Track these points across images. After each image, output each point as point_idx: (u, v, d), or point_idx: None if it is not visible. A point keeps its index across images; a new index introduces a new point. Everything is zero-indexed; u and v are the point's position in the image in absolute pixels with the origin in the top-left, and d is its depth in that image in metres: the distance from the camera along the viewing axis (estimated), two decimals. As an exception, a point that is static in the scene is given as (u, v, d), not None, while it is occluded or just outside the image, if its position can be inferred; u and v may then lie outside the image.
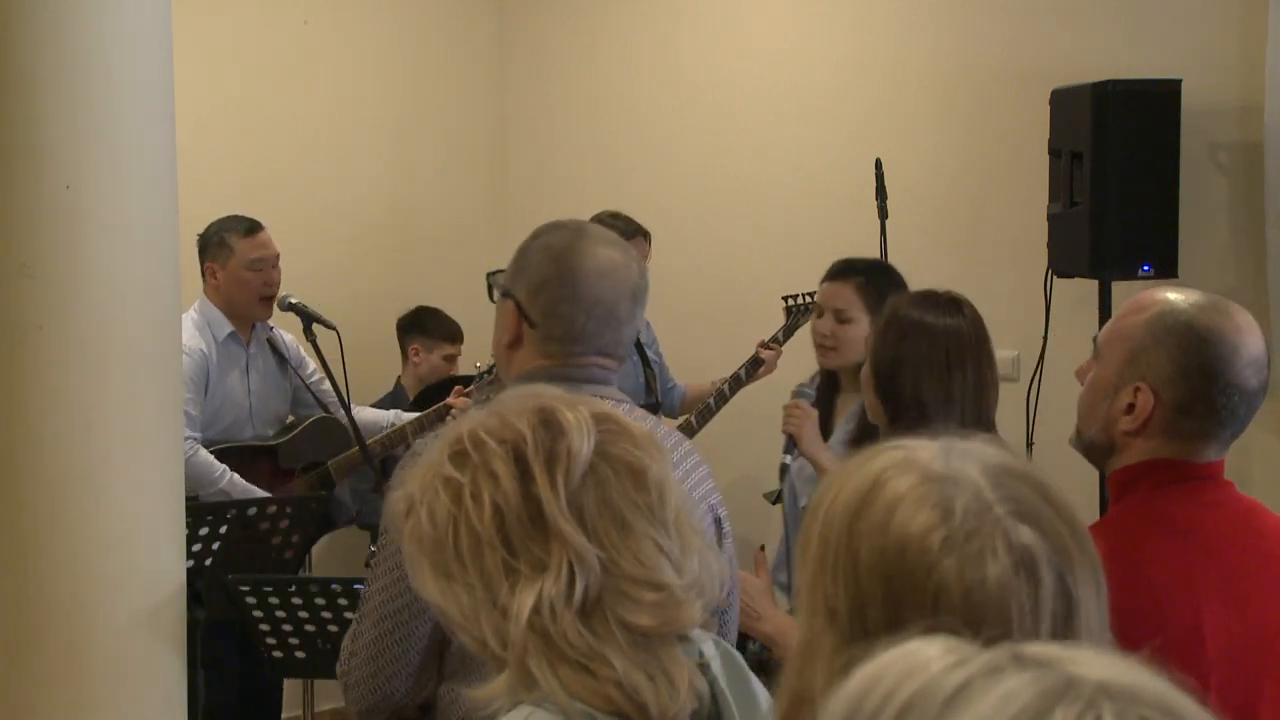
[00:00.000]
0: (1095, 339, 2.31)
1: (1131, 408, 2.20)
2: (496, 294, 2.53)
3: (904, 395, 2.93)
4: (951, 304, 2.99)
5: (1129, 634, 2.10)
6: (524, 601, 1.53)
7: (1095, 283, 4.66)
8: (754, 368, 5.06)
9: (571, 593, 1.53)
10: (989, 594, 1.19)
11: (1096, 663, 0.85)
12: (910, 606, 1.19)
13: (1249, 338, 2.19)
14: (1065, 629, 1.19)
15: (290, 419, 5.12)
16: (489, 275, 2.61)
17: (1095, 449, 2.29)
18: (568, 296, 2.39)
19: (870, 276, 4.03)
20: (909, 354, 2.94)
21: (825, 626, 1.24)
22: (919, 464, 1.26)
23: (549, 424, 1.59)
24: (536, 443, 1.58)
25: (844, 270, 4.05)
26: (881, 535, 1.22)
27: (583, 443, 1.58)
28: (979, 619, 1.16)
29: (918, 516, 1.22)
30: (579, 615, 1.53)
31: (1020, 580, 1.19)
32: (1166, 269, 4.54)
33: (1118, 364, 2.22)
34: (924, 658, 0.88)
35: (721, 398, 5.08)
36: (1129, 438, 2.22)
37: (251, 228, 4.91)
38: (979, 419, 2.93)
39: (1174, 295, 2.23)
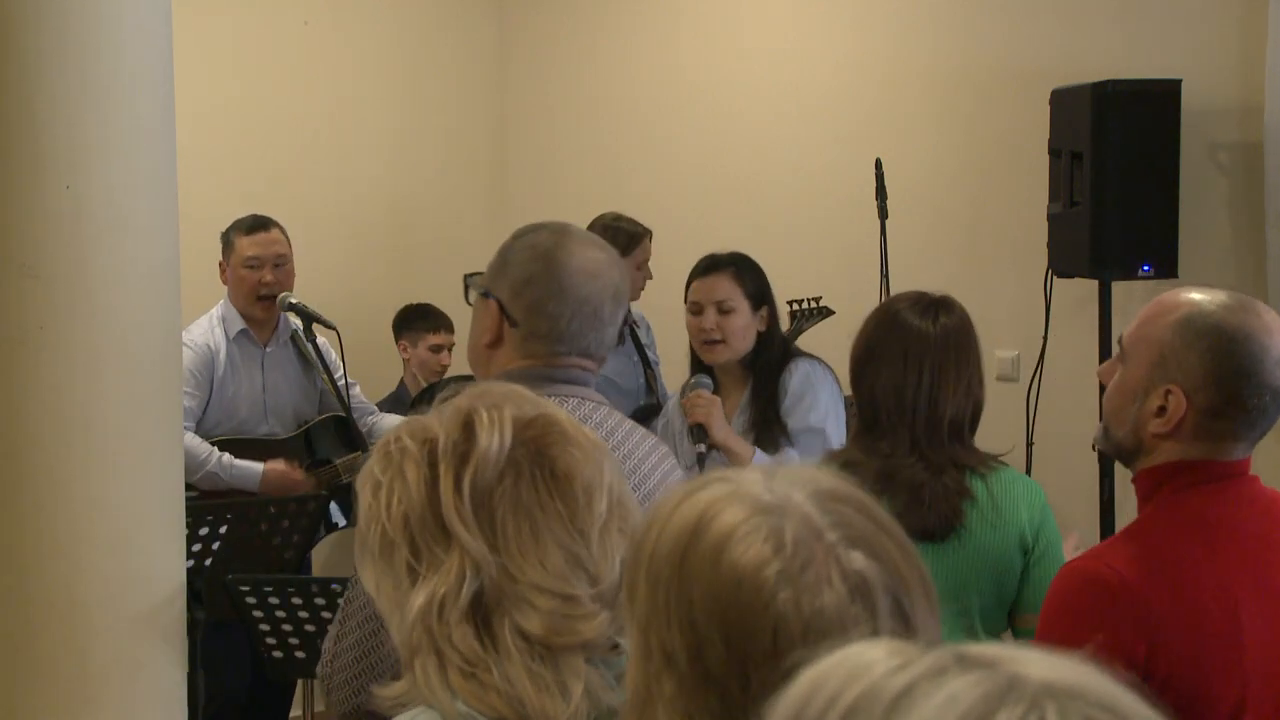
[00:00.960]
0: (1120, 340, 2.31)
1: (1162, 410, 2.20)
2: (474, 295, 2.50)
3: (863, 397, 2.94)
4: (930, 306, 2.96)
5: (1170, 640, 2.10)
6: (416, 601, 1.54)
7: (1095, 283, 4.66)
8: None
9: (460, 593, 1.52)
10: (828, 623, 1.16)
11: (1040, 663, 0.84)
12: (750, 643, 1.17)
13: (1277, 337, 2.20)
14: None
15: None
16: (466, 277, 2.59)
17: (1123, 451, 2.29)
18: (554, 294, 2.38)
19: (739, 266, 4.09)
20: (872, 353, 2.94)
21: (663, 671, 1.21)
22: (745, 495, 1.22)
23: (466, 425, 1.58)
24: (450, 444, 1.58)
25: (714, 264, 4.11)
26: (714, 573, 1.19)
27: (492, 444, 1.57)
28: (819, 650, 1.15)
29: (749, 550, 1.18)
30: (469, 619, 1.52)
31: (857, 607, 1.17)
32: (1166, 269, 4.54)
33: (1146, 366, 2.22)
34: (867, 660, 0.88)
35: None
36: (1158, 439, 2.22)
37: (254, 226, 4.92)
38: (932, 426, 2.88)
39: (1199, 296, 2.23)
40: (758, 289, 4.08)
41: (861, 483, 2.87)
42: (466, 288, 2.56)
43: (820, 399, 4.01)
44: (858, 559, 1.19)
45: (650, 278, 5.00)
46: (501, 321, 2.41)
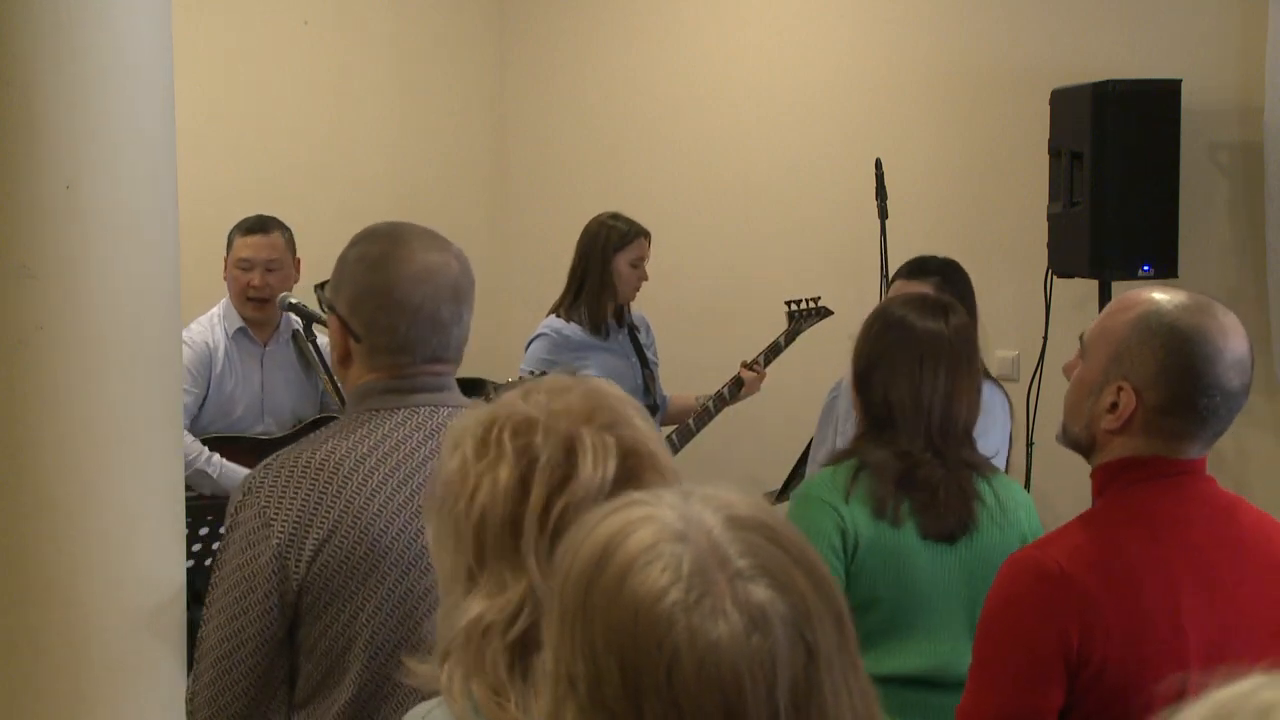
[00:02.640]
0: (1081, 336, 2.34)
1: (1114, 406, 2.24)
2: (325, 308, 2.47)
3: (875, 396, 2.94)
4: (938, 308, 2.98)
5: (1106, 626, 2.13)
6: (467, 613, 1.52)
7: (1095, 283, 4.66)
8: (736, 388, 5.04)
9: (511, 627, 1.50)
10: (722, 657, 1.14)
11: None
12: (645, 677, 1.15)
13: (1233, 340, 2.21)
14: (806, 683, 1.16)
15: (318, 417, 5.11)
16: (316, 288, 2.55)
17: (1080, 446, 2.34)
18: (386, 306, 2.34)
19: (945, 276, 4.00)
20: (884, 353, 2.94)
21: (566, 697, 1.20)
22: (656, 519, 1.20)
23: (569, 448, 1.54)
24: (549, 464, 1.53)
25: (921, 269, 4.03)
26: (614, 602, 1.17)
27: (595, 477, 1.53)
28: (714, 682, 1.14)
29: (648, 580, 1.17)
30: (510, 646, 1.51)
31: (755, 639, 1.15)
32: (1166, 269, 4.54)
33: (1102, 363, 2.25)
34: (1272, 697, 0.87)
35: (705, 416, 5.03)
36: (1110, 435, 2.26)
37: (252, 228, 4.92)
38: (948, 427, 2.91)
39: (1160, 295, 2.26)
40: (959, 299, 4.03)
41: (881, 483, 2.87)
42: (320, 300, 2.51)
43: (993, 430, 3.94)
44: (758, 591, 1.17)
45: (646, 279, 5.00)
46: (346, 337, 2.38)
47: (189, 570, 3.66)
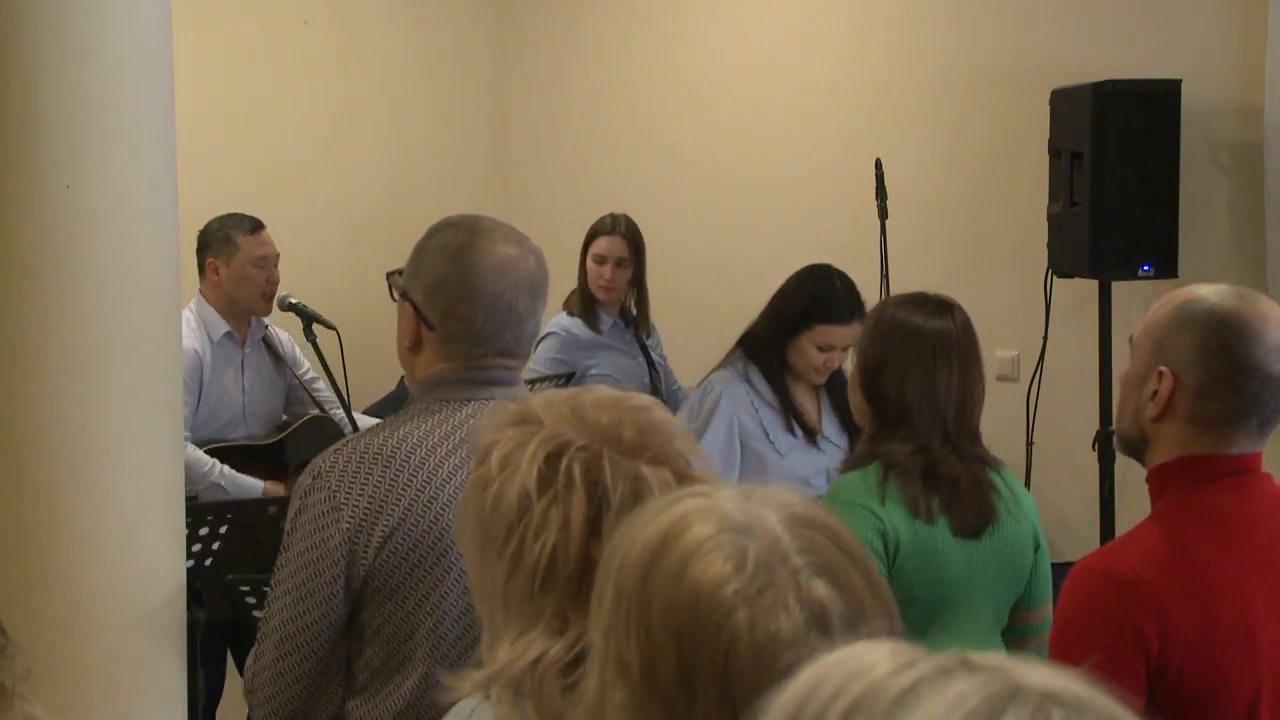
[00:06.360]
0: (1130, 338, 2.32)
1: (1156, 394, 2.21)
2: (396, 295, 2.48)
3: (888, 395, 2.92)
4: (940, 306, 2.99)
5: (1182, 632, 2.10)
6: (527, 652, 1.48)
7: (1095, 283, 4.66)
8: None
9: (572, 670, 1.47)
10: (781, 649, 1.15)
11: (1042, 672, 0.85)
12: (701, 659, 1.16)
13: (1274, 325, 2.18)
14: None
15: (285, 418, 5.10)
16: (388, 275, 2.55)
17: (1129, 442, 2.30)
18: (465, 296, 2.35)
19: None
20: (894, 353, 2.92)
21: (616, 679, 1.20)
22: (718, 511, 1.22)
23: (638, 494, 1.50)
24: (622, 509, 1.47)
25: (860, 311, 4.05)
26: (675, 586, 1.18)
27: None
28: (769, 674, 1.13)
29: (711, 567, 1.18)
30: (569, 686, 1.47)
31: (814, 635, 1.16)
32: (1166, 269, 4.54)
33: (1145, 356, 2.23)
34: (870, 659, 0.88)
35: None
36: (1156, 425, 2.22)
37: (256, 225, 4.91)
38: (962, 422, 2.91)
39: (1204, 289, 2.24)
40: None
41: (910, 481, 2.86)
42: (390, 287, 2.52)
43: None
44: (819, 587, 1.18)
45: (609, 276, 5.00)
46: (419, 325, 2.38)
47: (189, 570, 3.66)
